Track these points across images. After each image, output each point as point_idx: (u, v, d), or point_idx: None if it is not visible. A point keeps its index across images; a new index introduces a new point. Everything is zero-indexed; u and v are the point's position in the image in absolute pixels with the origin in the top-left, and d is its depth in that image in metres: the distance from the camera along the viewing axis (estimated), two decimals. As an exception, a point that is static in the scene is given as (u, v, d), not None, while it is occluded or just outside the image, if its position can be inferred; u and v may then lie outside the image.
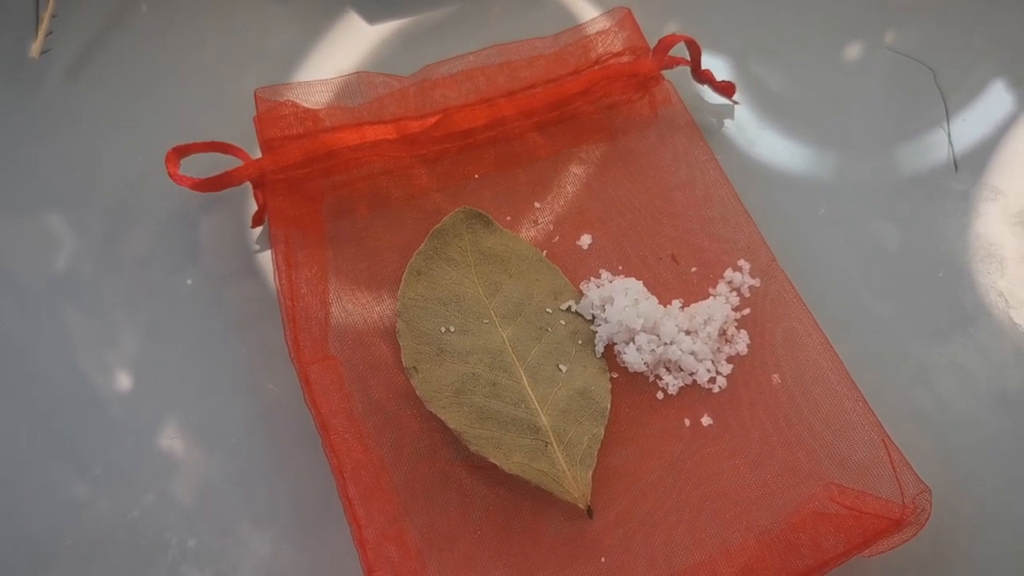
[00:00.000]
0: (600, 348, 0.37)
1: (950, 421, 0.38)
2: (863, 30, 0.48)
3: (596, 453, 0.35)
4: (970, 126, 0.45)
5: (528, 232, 0.40)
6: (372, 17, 0.48)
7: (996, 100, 0.46)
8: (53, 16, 0.45)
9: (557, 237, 0.40)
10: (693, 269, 0.40)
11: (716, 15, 0.48)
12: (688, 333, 0.38)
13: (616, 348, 0.37)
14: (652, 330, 0.37)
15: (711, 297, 0.39)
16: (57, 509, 0.35)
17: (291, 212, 0.39)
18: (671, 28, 0.47)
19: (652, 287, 0.39)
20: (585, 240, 0.40)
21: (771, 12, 0.48)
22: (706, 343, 0.37)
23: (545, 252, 0.40)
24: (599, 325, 0.38)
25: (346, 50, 0.47)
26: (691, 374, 0.37)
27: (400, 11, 0.48)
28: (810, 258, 0.41)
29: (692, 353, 0.37)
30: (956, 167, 0.43)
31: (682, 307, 0.38)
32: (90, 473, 0.36)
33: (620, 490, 0.35)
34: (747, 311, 0.39)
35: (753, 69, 0.46)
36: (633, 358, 0.37)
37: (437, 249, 0.38)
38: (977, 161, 0.44)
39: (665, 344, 0.37)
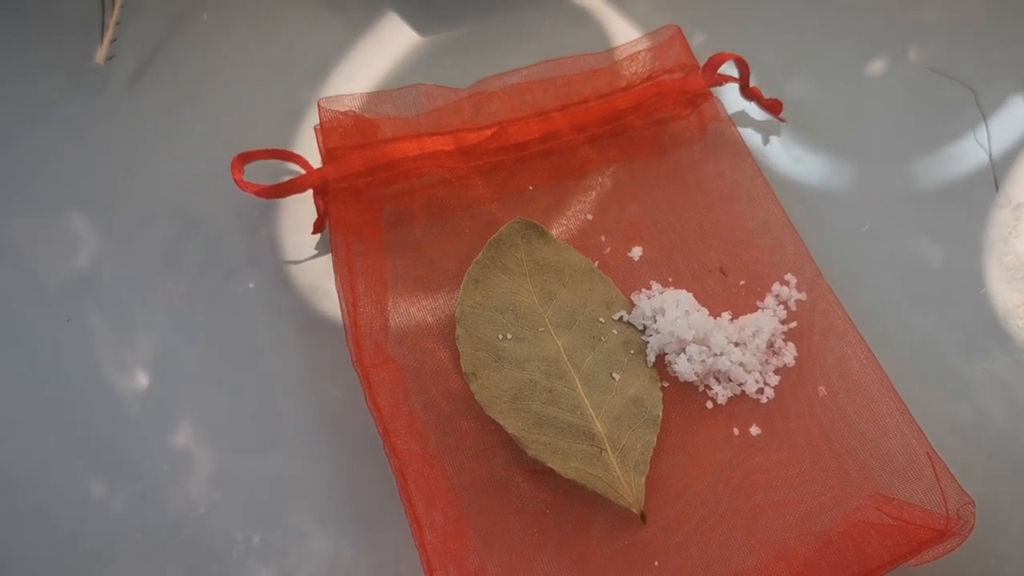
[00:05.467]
0: (652, 358, 0.38)
1: (991, 434, 0.38)
2: (904, 49, 0.49)
3: (649, 460, 0.36)
4: (1011, 145, 0.46)
5: (580, 243, 0.42)
6: (423, 29, 0.49)
7: (1036, 120, 0.47)
8: (117, 24, 0.46)
9: (608, 248, 0.41)
10: (741, 282, 0.41)
11: (760, 32, 0.49)
12: (737, 345, 0.39)
13: (667, 358, 0.39)
14: (702, 341, 0.38)
15: (759, 310, 0.40)
16: (126, 505, 0.36)
17: (352, 220, 0.40)
18: (715, 44, 0.48)
19: (701, 299, 0.40)
20: (636, 252, 0.41)
21: (814, 30, 0.49)
22: (755, 355, 0.38)
23: (597, 263, 0.41)
24: (651, 335, 0.39)
25: (395, 61, 0.48)
26: (740, 384, 0.38)
27: (450, 24, 0.49)
28: (854, 273, 0.42)
29: (741, 364, 0.38)
30: (997, 185, 0.44)
31: (731, 319, 0.39)
32: (159, 470, 0.37)
33: (672, 496, 0.36)
34: (794, 324, 0.40)
35: (798, 86, 0.47)
36: (684, 368, 0.38)
37: (494, 258, 0.40)
38: (1017, 180, 0.44)
39: (715, 355, 0.38)
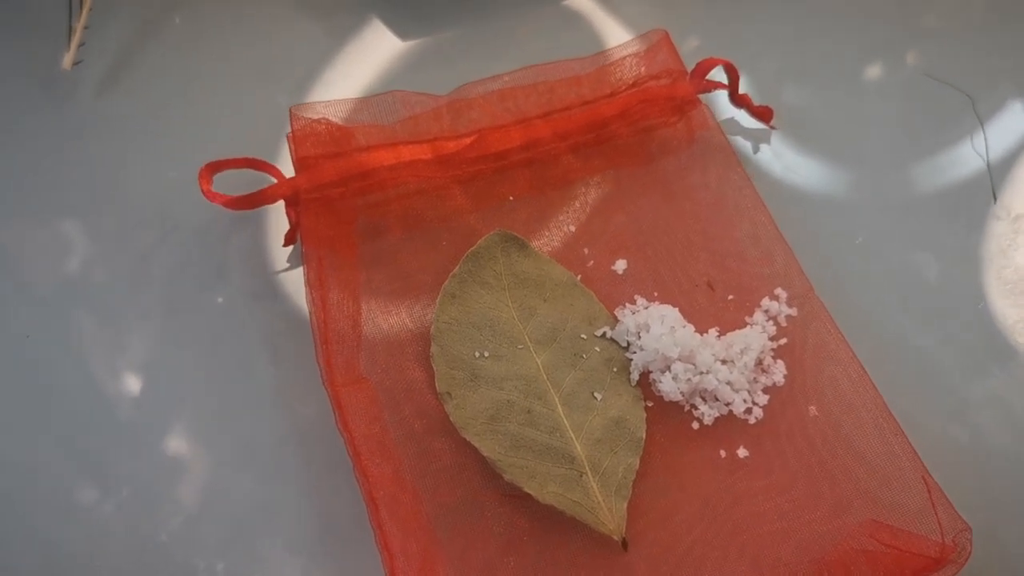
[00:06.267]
0: (635, 376, 0.37)
1: (989, 456, 0.37)
2: (900, 56, 0.47)
3: (631, 484, 0.35)
4: (1009, 155, 0.44)
5: (562, 256, 0.40)
6: (404, 33, 0.47)
7: (1035, 129, 0.45)
8: (86, 28, 0.45)
9: (592, 261, 0.40)
10: (730, 297, 0.39)
11: (752, 38, 0.48)
12: (724, 363, 0.37)
13: (651, 376, 0.37)
14: (688, 359, 0.37)
15: (748, 326, 0.38)
16: (85, 533, 0.35)
17: (325, 232, 0.38)
18: (704, 50, 0.46)
19: (688, 314, 0.38)
20: (620, 265, 0.40)
21: (807, 36, 0.48)
22: (743, 373, 0.37)
23: (579, 277, 0.39)
24: (634, 352, 0.37)
25: (378, 66, 0.47)
26: (727, 404, 0.37)
27: (432, 28, 0.48)
28: (847, 287, 0.40)
29: (728, 383, 0.36)
30: (995, 197, 0.43)
31: (719, 336, 0.38)
32: (117, 495, 0.35)
33: (655, 522, 0.34)
34: (784, 341, 0.38)
35: (791, 92, 0.46)
36: (669, 387, 0.36)
37: (471, 272, 0.38)
38: (1016, 191, 0.43)
39: (701, 373, 0.36)
